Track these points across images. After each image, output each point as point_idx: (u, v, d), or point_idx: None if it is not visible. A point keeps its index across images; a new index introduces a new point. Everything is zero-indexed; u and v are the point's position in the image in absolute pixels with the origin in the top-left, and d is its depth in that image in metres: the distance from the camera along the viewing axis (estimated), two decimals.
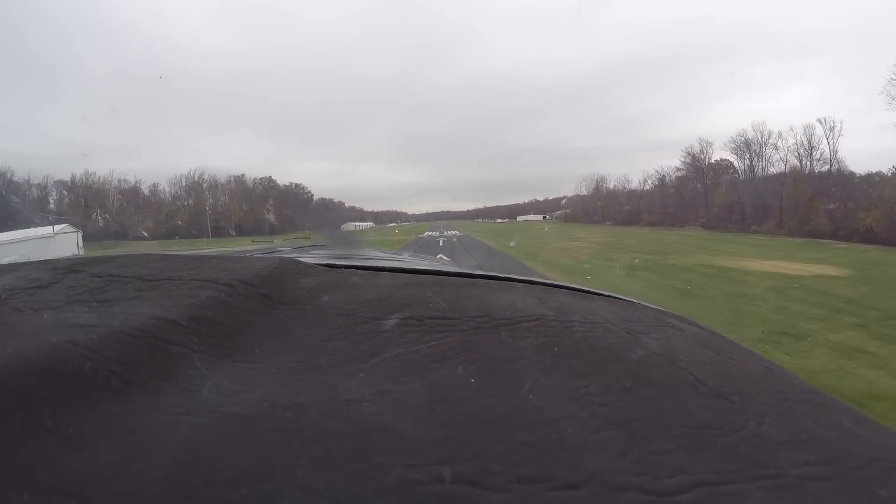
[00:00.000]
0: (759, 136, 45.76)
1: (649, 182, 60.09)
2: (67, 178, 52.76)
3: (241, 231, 58.93)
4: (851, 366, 5.14)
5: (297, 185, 76.68)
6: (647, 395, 0.33)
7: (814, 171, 41.93)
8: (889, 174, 34.89)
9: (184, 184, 61.03)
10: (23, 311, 0.41)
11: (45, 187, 51.17)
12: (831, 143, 41.33)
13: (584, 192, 73.54)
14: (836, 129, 41.10)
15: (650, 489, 0.24)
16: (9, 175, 45.36)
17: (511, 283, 0.60)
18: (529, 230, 47.08)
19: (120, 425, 0.26)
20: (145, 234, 50.01)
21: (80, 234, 27.97)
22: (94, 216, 52.38)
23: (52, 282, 0.48)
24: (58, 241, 24.99)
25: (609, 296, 0.65)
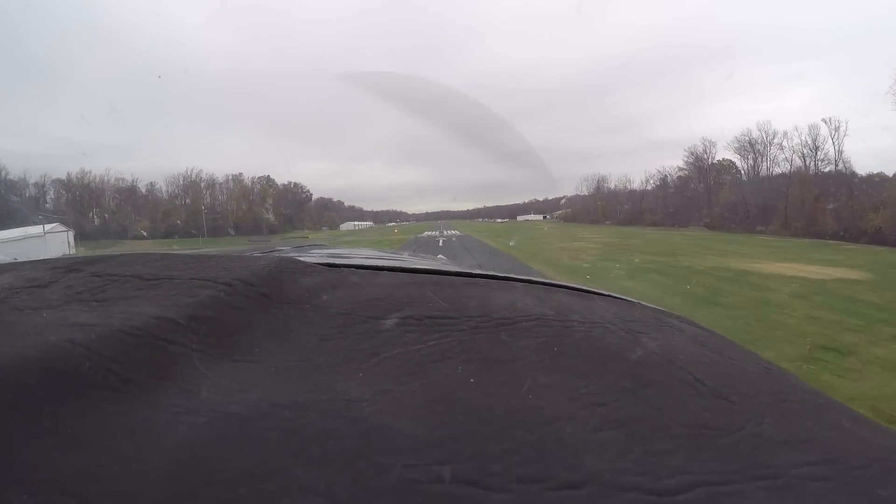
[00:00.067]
0: (763, 135, 45.16)
1: (651, 182, 59.55)
2: (64, 176, 52.20)
3: (240, 230, 58.33)
4: None
5: (295, 184, 76.12)
6: (647, 395, 0.33)
7: (819, 171, 41.32)
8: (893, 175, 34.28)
9: (181, 183, 60.47)
10: (22, 310, 0.41)
11: (44, 186, 50.77)
12: (836, 143, 40.72)
13: (585, 192, 72.92)
14: (842, 128, 40.51)
15: (650, 489, 0.24)
16: (3, 174, 44.75)
17: (511, 282, 0.60)
18: (530, 230, 46.38)
19: (119, 425, 0.26)
20: (144, 234, 49.46)
21: (70, 234, 27.19)
22: (90, 215, 51.71)
23: (51, 281, 0.48)
24: (48, 241, 24.27)
25: (609, 295, 0.64)
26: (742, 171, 48.15)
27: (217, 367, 0.32)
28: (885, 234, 28.30)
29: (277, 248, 1.29)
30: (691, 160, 52.55)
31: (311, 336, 0.39)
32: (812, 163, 41.80)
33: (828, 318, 7.43)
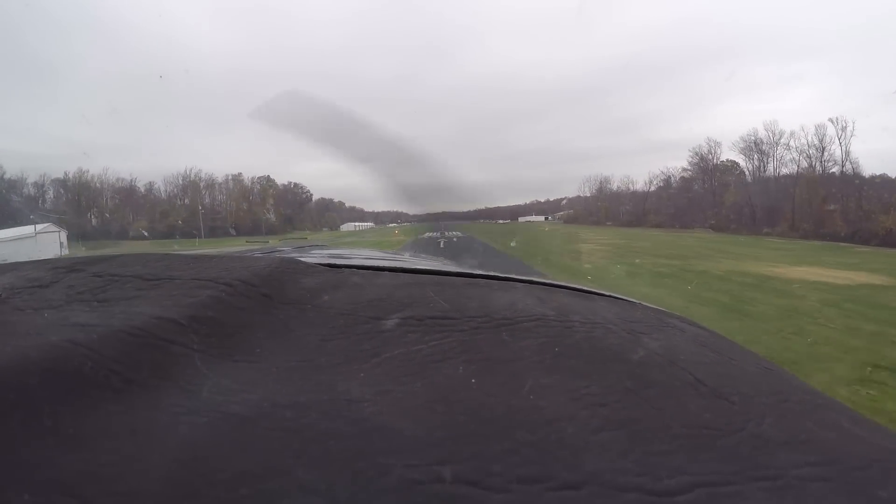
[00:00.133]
0: (770, 135, 44.46)
1: (654, 183, 58.86)
2: (61, 176, 51.71)
3: (239, 231, 57.75)
4: None
5: (295, 184, 75.49)
6: (648, 395, 0.33)
7: (825, 172, 40.63)
8: None
9: (180, 183, 59.93)
10: (23, 310, 0.41)
11: (43, 186, 50.34)
12: (843, 143, 40.02)
13: (587, 194, 72.23)
14: (849, 128, 39.82)
15: (650, 490, 0.24)
16: (0, 172, 44.24)
17: (511, 283, 0.60)
18: (532, 231, 45.74)
19: (120, 425, 0.26)
20: (145, 234, 48.86)
21: (61, 234, 26.53)
22: (88, 215, 51.16)
23: (53, 281, 0.48)
24: (39, 242, 23.64)
25: (610, 296, 0.64)
26: (746, 172, 47.58)
27: (218, 368, 0.32)
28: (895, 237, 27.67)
29: (277, 248, 1.25)
30: (696, 160, 51.97)
31: (313, 336, 0.39)
32: (818, 164, 41.16)
33: (867, 328, 6.77)
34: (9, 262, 0.62)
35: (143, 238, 46.76)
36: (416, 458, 0.24)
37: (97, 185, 53.38)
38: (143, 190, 57.97)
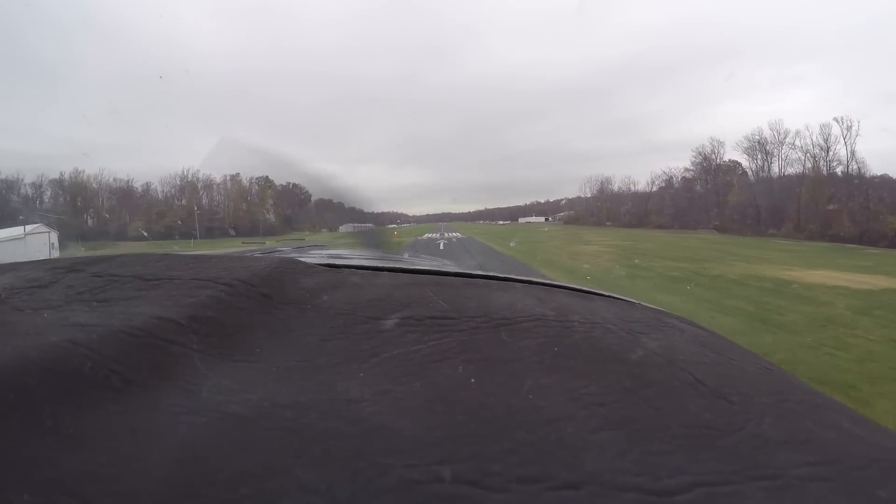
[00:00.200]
0: (775, 134, 43.85)
1: (655, 183, 58.22)
2: (57, 176, 51.10)
3: (237, 231, 57.09)
4: None
5: (294, 185, 74.76)
6: (647, 395, 0.33)
7: (830, 172, 40.04)
8: None
9: (178, 183, 59.28)
10: (22, 310, 0.41)
11: (41, 186, 49.74)
12: (848, 143, 39.41)
13: (588, 194, 71.57)
14: (854, 128, 39.23)
15: (649, 489, 0.24)
16: None
17: (511, 282, 0.60)
18: (533, 232, 44.98)
19: (120, 425, 0.26)
20: (145, 234, 48.28)
21: (51, 235, 25.74)
22: (83, 216, 50.51)
23: (52, 281, 0.48)
24: (28, 243, 22.93)
25: (609, 296, 0.65)
26: (749, 172, 46.97)
27: (218, 368, 0.32)
28: None
29: (277, 248, 1.25)
30: (699, 160, 51.35)
31: (312, 336, 0.39)
32: (824, 164, 40.56)
33: None
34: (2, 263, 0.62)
35: (140, 239, 46.11)
36: (415, 457, 0.24)
37: (93, 185, 52.83)
38: (140, 190, 57.43)
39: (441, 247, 24.65)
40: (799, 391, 0.38)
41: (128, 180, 55.67)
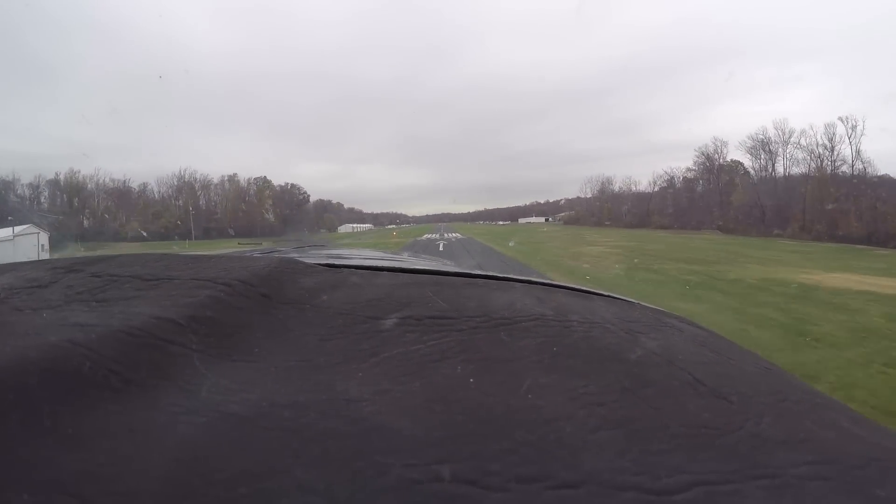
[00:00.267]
0: (780, 134, 43.28)
1: (657, 184, 57.63)
2: (52, 176, 50.46)
3: (236, 232, 56.42)
4: None
5: (292, 185, 74.17)
6: (646, 394, 0.33)
7: (836, 172, 39.46)
8: None
9: (175, 183, 58.59)
10: (22, 310, 0.41)
11: (38, 187, 49.12)
12: (853, 142, 38.84)
13: (589, 194, 71.00)
14: (859, 127, 38.65)
15: (649, 489, 0.24)
16: None
17: (510, 282, 0.60)
18: (535, 233, 44.34)
19: (119, 425, 0.26)
20: (144, 234, 47.69)
21: (41, 236, 25.01)
22: (78, 217, 49.82)
23: (51, 281, 0.48)
24: (17, 245, 22.26)
25: (608, 296, 0.65)
26: (752, 172, 46.41)
27: (217, 367, 0.33)
28: None
29: (276, 249, 1.23)
30: (701, 160, 50.77)
31: (311, 336, 0.39)
32: (829, 163, 39.98)
33: None
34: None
35: (135, 240, 45.44)
36: (414, 457, 0.24)
37: (89, 185, 52.16)
38: (136, 191, 56.73)
39: (441, 248, 23.99)
40: (798, 391, 0.38)
41: (124, 180, 55.10)
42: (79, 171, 51.51)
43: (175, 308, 0.38)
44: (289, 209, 70.60)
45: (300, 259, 0.60)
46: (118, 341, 0.32)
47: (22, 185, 48.02)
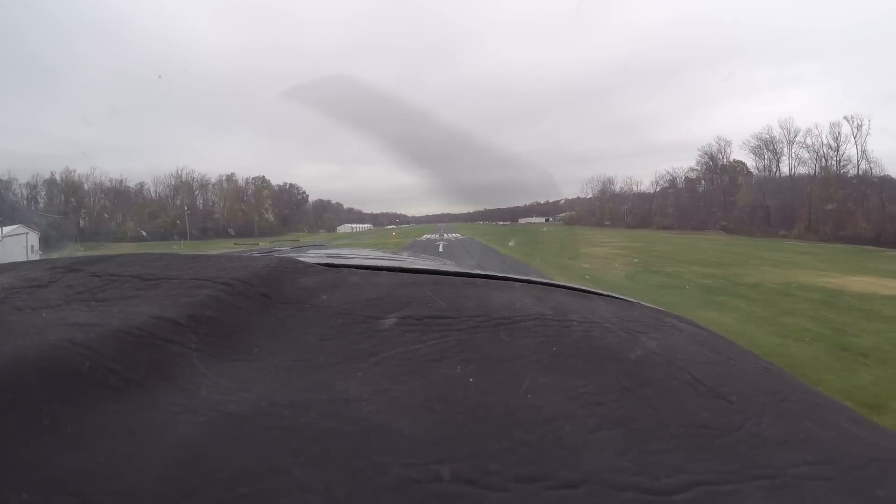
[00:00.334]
0: (785, 133, 42.75)
1: (659, 184, 57.09)
2: (48, 176, 49.83)
3: (236, 232, 55.84)
4: None
5: (291, 185, 73.59)
6: (646, 394, 0.33)
7: (841, 172, 38.95)
8: None
9: (172, 183, 58.01)
10: (21, 310, 0.41)
11: (35, 186, 48.55)
12: (859, 142, 38.34)
13: (589, 195, 70.41)
14: (864, 127, 38.15)
15: (648, 488, 0.24)
16: None
17: (510, 282, 0.60)
18: (536, 233, 43.69)
19: (118, 424, 0.26)
20: (144, 234, 47.11)
21: (30, 236, 24.24)
22: (72, 217, 49.18)
23: (51, 281, 0.48)
24: (6, 245, 21.58)
25: (608, 295, 0.65)
26: (755, 172, 45.90)
27: (216, 367, 0.32)
28: None
29: (275, 248, 1.21)
30: (705, 160, 50.24)
31: (311, 336, 0.39)
32: (835, 163, 39.48)
33: None
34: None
35: (135, 240, 44.84)
36: (414, 457, 0.24)
37: (86, 185, 51.57)
38: (133, 190, 56.15)
39: (440, 248, 23.42)
40: (798, 391, 0.38)
41: (121, 180, 54.48)
42: (74, 171, 50.94)
43: (175, 307, 0.38)
44: (287, 209, 70.06)
45: (300, 259, 0.59)
46: (118, 341, 0.32)
47: (19, 184, 47.52)
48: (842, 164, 39.07)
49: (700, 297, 9.16)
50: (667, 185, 56.08)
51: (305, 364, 0.34)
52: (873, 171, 37.38)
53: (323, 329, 0.40)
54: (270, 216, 65.50)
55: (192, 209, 57.27)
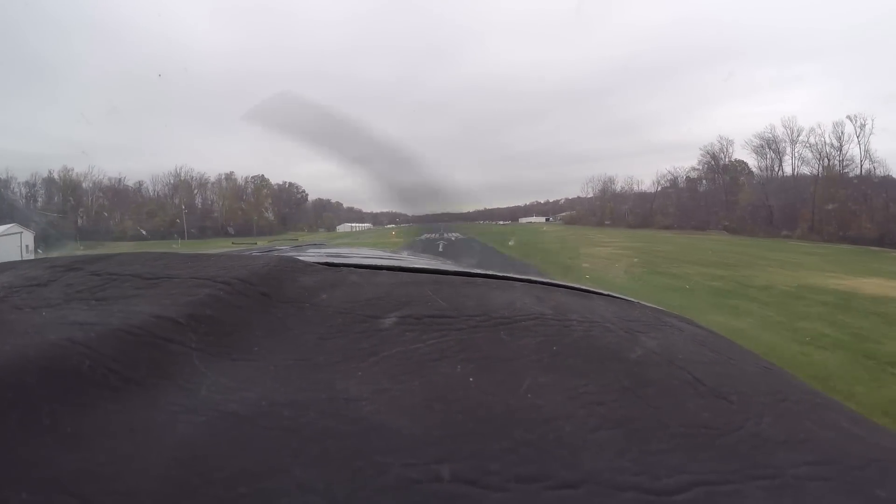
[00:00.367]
0: (788, 132, 42.45)
1: (660, 183, 56.79)
2: (46, 175, 49.52)
3: (236, 231, 55.52)
4: None
5: (290, 184, 73.23)
6: (646, 394, 0.32)
7: (843, 172, 38.65)
8: None
9: (171, 182, 57.69)
10: (21, 309, 0.41)
11: (35, 185, 48.27)
12: (862, 141, 38.03)
13: (590, 194, 70.11)
14: (867, 126, 37.85)
15: (648, 488, 0.24)
16: None
17: (510, 281, 0.60)
18: (537, 233, 43.36)
19: (118, 423, 0.25)
20: (144, 233, 46.80)
21: (24, 235, 23.86)
22: (70, 215, 48.87)
23: (51, 280, 0.48)
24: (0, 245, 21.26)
25: (608, 295, 0.64)
26: (757, 172, 45.62)
27: (216, 366, 0.32)
28: None
29: (275, 248, 1.22)
30: (706, 159, 49.96)
31: (311, 335, 0.39)
32: (838, 163, 39.17)
33: None
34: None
35: (134, 239, 44.51)
36: (414, 456, 0.24)
37: (84, 184, 51.25)
38: (132, 189, 55.83)
39: (440, 248, 23.11)
40: (798, 391, 0.38)
41: (120, 178, 54.16)
42: (73, 169, 50.63)
43: (175, 307, 0.38)
44: (287, 208, 69.75)
45: (299, 258, 0.59)
46: (118, 340, 0.32)
47: (18, 183, 47.25)
48: (845, 163, 38.83)
49: (711, 300, 8.84)
50: (668, 184, 55.88)
51: (305, 363, 0.34)
52: (876, 172, 37.15)
53: (323, 328, 0.39)
54: (270, 215, 65.23)
55: (190, 208, 57.03)
